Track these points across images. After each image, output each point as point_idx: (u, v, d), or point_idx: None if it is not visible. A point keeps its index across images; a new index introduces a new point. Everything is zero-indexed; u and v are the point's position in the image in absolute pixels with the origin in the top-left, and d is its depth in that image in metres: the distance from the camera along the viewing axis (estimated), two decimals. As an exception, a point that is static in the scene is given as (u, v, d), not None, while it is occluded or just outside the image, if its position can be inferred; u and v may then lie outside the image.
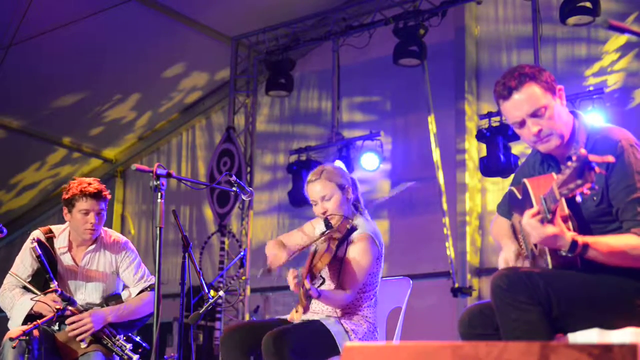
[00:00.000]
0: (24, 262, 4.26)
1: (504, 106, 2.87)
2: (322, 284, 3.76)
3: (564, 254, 2.65)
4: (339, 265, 3.83)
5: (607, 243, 2.66)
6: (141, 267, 4.43)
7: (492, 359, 1.76)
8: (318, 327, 3.71)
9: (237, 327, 3.84)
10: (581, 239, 2.63)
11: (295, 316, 3.52)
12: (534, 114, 2.81)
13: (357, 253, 3.82)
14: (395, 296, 4.23)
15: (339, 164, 4.27)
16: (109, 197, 4.29)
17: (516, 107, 2.82)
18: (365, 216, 4.05)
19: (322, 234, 3.83)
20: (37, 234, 4.28)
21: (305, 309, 3.48)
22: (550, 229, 2.58)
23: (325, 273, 3.84)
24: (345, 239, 3.78)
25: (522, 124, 2.84)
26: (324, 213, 3.88)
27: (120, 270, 4.38)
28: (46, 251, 4.19)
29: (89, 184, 4.25)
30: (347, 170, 4.40)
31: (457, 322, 2.94)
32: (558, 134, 2.82)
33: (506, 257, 3.02)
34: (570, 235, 2.62)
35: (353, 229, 3.82)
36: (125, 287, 4.43)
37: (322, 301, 3.69)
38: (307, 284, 3.44)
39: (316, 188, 3.93)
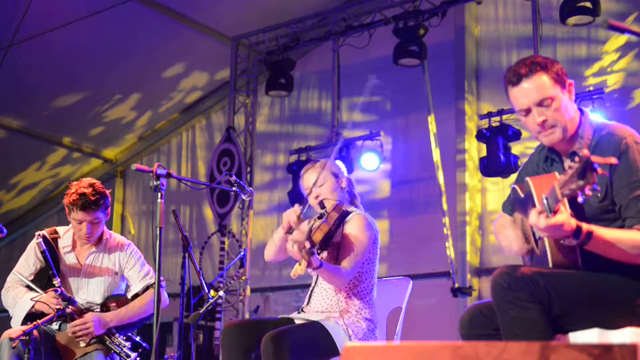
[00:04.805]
0: (28, 261, 4.29)
1: (512, 92, 2.87)
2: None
3: (567, 241, 2.63)
4: (336, 251, 3.84)
5: (610, 234, 2.66)
6: (146, 265, 4.45)
7: (492, 359, 1.76)
8: (317, 329, 3.70)
9: (237, 325, 3.83)
10: (585, 226, 2.62)
11: (299, 269, 3.53)
12: (540, 104, 2.81)
13: (353, 228, 3.86)
14: (396, 296, 4.23)
15: (338, 164, 4.28)
16: (104, 204, 4.20)
17: (524, 94, 2.83)
18: (361, 209, 4.07)
19: (318, 217, 3.87)
20: (42, 232, 4.30)
21: (309, 264, 3.50)
22: (556, 218, 2.55)
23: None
24: (341, 221, 3.80)
25: (527, 112, 2.85)
26: (316, 198, 3.91)
27: (126, 270, 4.38)
28: (50, 249, 4.21)
29: (81, 194, 4.13)
30: (347, 171, 4.42)
31: (457, 322, 2.94)
32: (562, 126, 2.82)
33: (509, 235, 3.04)
34: (574, 221, 2.60)
35: (348, 212, 3.86)
36: (128, 287, 4.43)
37: (322, 273, 3.70)
38: (307, 244, 3.50)
39: (310, 176, 3.99)
